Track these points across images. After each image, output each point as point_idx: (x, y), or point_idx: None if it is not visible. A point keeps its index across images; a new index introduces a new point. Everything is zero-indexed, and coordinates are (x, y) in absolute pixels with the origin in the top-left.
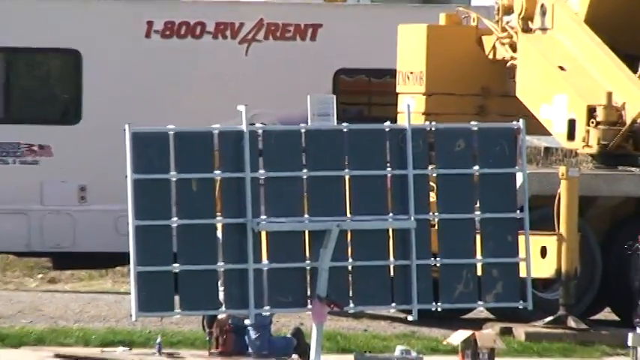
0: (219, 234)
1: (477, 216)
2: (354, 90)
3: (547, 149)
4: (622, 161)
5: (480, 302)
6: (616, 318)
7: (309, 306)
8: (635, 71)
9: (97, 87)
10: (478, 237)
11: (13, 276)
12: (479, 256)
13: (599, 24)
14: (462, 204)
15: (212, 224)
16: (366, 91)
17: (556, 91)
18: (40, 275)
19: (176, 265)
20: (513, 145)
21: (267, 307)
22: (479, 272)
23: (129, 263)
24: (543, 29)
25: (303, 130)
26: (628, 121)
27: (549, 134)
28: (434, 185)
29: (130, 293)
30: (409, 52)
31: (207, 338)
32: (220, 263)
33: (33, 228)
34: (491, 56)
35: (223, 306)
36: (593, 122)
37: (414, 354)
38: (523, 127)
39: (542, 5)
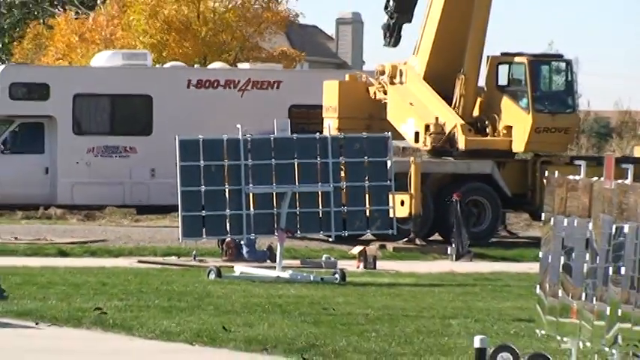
0: (226, 195)
1: (366, 184)
2: (300, 116)
3: (404, 148)
4: (444, 154)
5: (368, 230)
6: (441, 238)
7: (276, 233)
8: (450, 104)
9: (161, 116)
10: (367, 195)
11: (114, 218)
12: (368, 205)
13: (431, 79)
14: (358, 177)
15: (222, 189)
16: (306, 116)
17: (408, 116)
18: (130, 217)
19: (203, 212)
20: (385, 145)
21: (253, 234)
22: (368, 214)
23: (178, 210)
24: (401, 83)
25: (272, 138)
26: (447, 132)
27: (404, 139)
28: (343, 167)
29: (178, 227)
30: (329, 95)
31: (221, 251)
32: (227, 211)
33: (126, 191)
34: (373, 97)
35: (229, 233)
36: (428, 133)
37: (332, 259)
38: (390, 136)
39: (400, 70)
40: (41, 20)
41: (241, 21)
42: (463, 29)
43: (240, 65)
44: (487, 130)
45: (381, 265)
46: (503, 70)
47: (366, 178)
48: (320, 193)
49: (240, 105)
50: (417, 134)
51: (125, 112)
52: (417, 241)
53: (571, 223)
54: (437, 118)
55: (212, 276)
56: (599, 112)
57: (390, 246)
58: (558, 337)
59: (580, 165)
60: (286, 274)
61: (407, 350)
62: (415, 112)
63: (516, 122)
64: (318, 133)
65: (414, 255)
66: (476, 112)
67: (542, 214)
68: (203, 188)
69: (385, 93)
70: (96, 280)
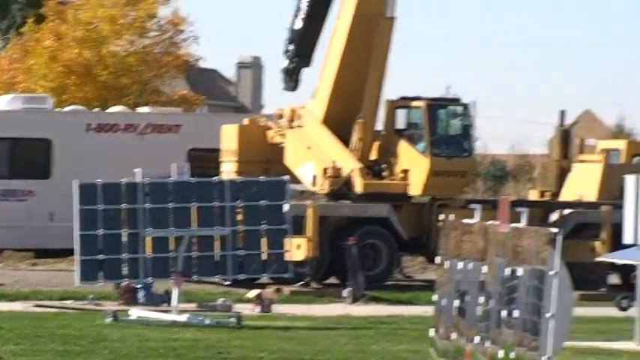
0: (124, 239)
1: (263, 227)
2: (199, 160)
3: (301, 191)
4: (341, 198)
5: (264, 274)
6: (337, 281)
7: (173, 277)
8: (348, 148)
9: (61, 159)
10: (264, 239)
11: (11, 262)
12: (264, 248)
13: (329, 123)
14: (256, 221)
15: (120, 233)
16: (205, 160)
17: (306, 160)
18: (27, 261)
19: (101, 255)
20: (283, 189)
21: (150, 277)
22: (264, 257)
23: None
24: (299, 126)
25: (170, 182)
26: (344, 175)
27: (302, 183)
28: (240, 211)
29: (75, 270)
30: (228, 138)
31: (118, 295)
32: (125, 254)
33: (24, 234)
34: (272, 141)
35: (126, 277)
36: (325, 176)
37: (228, 302)
38: (288, 179)
39: (298, 113)
40: None
41: (142, 65)
42: (362, 73)
43: (140, 109)
44: (384, 173)
45: (277, 308)
46: (401, 114)
47: (263, 222)
48: (217, 237)
49: (139, 148)
50: (314, 178)
51: (24, 156)
52: (313, 285)
53: (465, 266)
54: (334, 162)
55: (108, 319)
56: (496, 156)
57: (286, 289)
58: None
59: (475, 208)
60: (183, 318)
61: None
62: (313, 155)
63: (413, 166)
64: (216, 177)
65: (310, 298)
66: (374, 156)
67: (437, 257)
68: (101, 232)
69: (283, 137)
70: None
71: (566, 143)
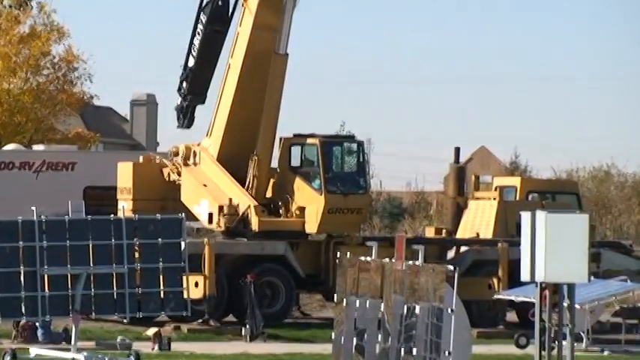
0: (22, 277)
1: (160, 265)
2: (95, 197)
3: (198, 229)
4: (238, 235)
5: (162, 312)
6: (235, 319)
7: (71, 315)
8: (244, 185)
9: None
10: (161, 277)
11: None
12: (162, 286)
13: (224, 160)
14: (153, 259)
15: (17, 271)
16: (101, 198)
17: (202, 197)
18: None
19: None
20: (179, 226)
21: (48, 315)
22: (162, 295)
23: None
24: (195, 164)
25: (67, 220)
26: (240, 213)
27: (198, 221)
28: (137, 249)
29: None
30: (124, 176)
31: (16, 333)
32: (22, 292)
33: None
34: (167, 179)
35: (24, 315)
36: (222, 214)
37: (127, 340)
38: (184, 217)
39: (194, 152)
40: None
41: (36, 103)
42: (256, 110)
43: (35, 147)
44: (280, 211)
45: (176, 346)
46: (295, 151)
47: (160, 260)
48: (114, 275)
49: (35, 186)
50: (210, 215)
51: None
52: (212, 322)
53: (363, 304)
54: (230, 200)
55: (7, 358)
56: (391, 193)
57: (184, 327)
58: None
59: (372, 245)
60: (81, 356)
61: None
62: (209, 193)
63: (309, 203)
64: (112, 215)
65: (209, 336)
66: (269, 194)
67: (335, 295)
68: None
69: (179, 174)
70: None
71: (462, 180)
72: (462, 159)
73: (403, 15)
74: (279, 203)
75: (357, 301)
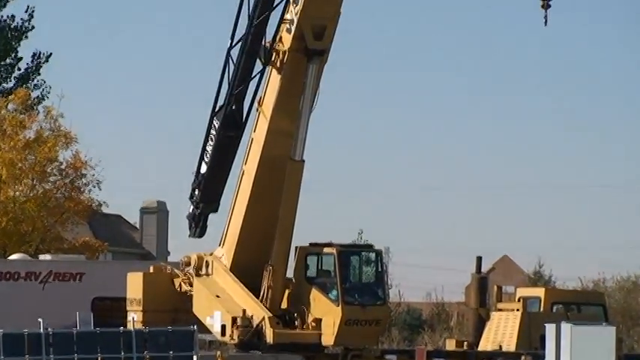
0: None
1: None
2: (104, 309)
3: (210, 341)
4: (252, 348)
5: None
6: None
7: None
8: (258, 296)
9: None
10: None
11: None
12: None
13: (238, 270)
14: None
15: None
16: (110, 309)
17: (214, 309)
18: None
19: None
20: (191, 339)
21: None
22: None
23: None
24: (207, 274)
25: (75, 332)
26: (254, 325)
27: (211, 333)
28: None
29: None
30: (133, 287)
31: None
32: None
33: None
34: (179, 289)
35: None
36: (235, 326)
37: None
38: (196, 329)
39: (206, 261)
40: None
41: (42, 211)
42: (270, 219)
43: (42, 256)
44: (296, 322)
45: None
46: (312, 260)
47: None
48: None
49: (41, 298)
50: (223, 327)
51: None
52: None
53: None
54: (244, 311)
55: None
56: (411, 303)
57: None
58: None
59: (391, 359)
60: None
61: None
62: (222, 304)
63: (326, 315)
64: (121, 327)
65: None
66: (284, 305)
67: None
68: None
69: (191, 285)
70: None
71: (484, 291)
72: (484, 269)
73: (422, 122)
74: (295, 315)
75: None
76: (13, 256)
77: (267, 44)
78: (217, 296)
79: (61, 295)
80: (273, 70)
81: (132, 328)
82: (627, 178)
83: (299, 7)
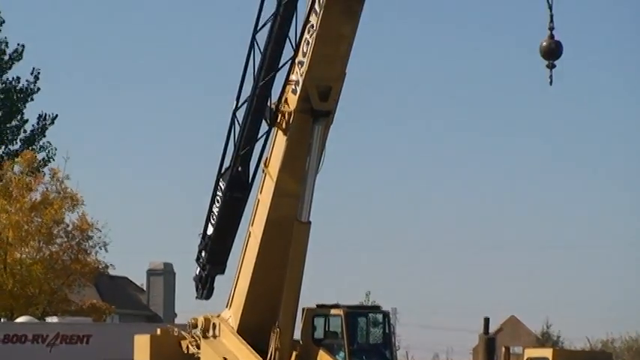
0: None
1: None
2: None
3: None
4: None
5: None
6: None
7: None
8: (265, 358)
9: None
10: None
11: None
12: None
13: (245, 332)
14: None
15: None
16: None
17: None
18: None
19: None
20: None
21: None
22: None
23: None
24: (214, 336)
25: None
26: None
27: None
28: None
29: None
30: (141, 350)
31: None
32: None
33: None
34: (186, 352)
35: None
36: None
37: None
38: None
39: (213, 323)
40: None
41: (49, 273)
42: (277, 280)
43: (49, 319)
44: None
45: None
46: (319, 322)
47: None
48: None
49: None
50: None
51: None
52: None
53: None
54: None
55: None
56: None
57: None
58: None
59: None
60: None
61: None
62: None
63: None
64: None
65: None
66: None
67: None
68: None
69: (198, 347)
70: None
71: (492, 351)
72: (492, 329)
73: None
74: None
75: None
76: (20, 319)
77: (273, 105)
78: (224, 358)
79: (68, 358)
80: (279, 131)
81: None
82: (631, 240)
83: (304, 69)
